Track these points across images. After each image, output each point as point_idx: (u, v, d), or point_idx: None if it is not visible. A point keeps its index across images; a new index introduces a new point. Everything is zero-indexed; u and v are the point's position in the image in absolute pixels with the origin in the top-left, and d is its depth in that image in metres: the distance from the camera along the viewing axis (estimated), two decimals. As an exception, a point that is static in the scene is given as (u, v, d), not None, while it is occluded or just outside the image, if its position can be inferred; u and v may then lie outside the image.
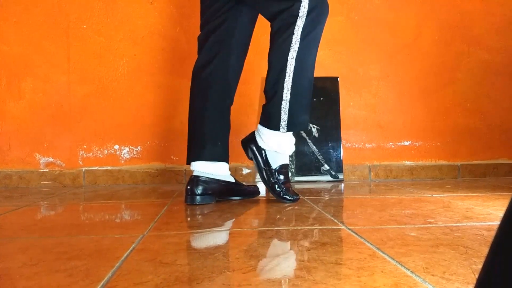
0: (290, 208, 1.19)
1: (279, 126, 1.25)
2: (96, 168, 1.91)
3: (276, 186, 1.30)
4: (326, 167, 1.93)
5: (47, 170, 1.88)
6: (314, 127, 1.95)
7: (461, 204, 1.22)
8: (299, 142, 1.92)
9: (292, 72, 1.22)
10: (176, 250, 0.75)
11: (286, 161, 1.32)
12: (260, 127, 1.30)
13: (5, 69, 1.88)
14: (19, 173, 1.86)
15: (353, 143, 2.02)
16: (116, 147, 1.92)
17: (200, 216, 1.10)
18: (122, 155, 1.92)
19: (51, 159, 1.89)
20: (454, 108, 2.06)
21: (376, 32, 2.04)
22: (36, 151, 1.89)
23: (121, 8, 1.92)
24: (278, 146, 1.28)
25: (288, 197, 1.30)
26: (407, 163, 2.03)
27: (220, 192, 1.33)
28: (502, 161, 2.06)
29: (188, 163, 1.33)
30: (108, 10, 1.92)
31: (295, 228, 0.93)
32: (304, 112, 1.28)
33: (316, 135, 1.94)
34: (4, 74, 1.88)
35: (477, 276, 0.31)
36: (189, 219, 1.07)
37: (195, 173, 1.29)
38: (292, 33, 1.19)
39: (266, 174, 1.30)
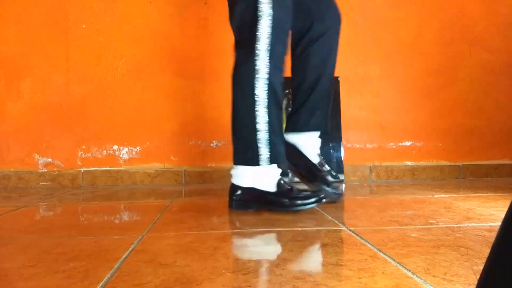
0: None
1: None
2: (95, 168, 1.90)
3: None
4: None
5: (46, 170, 1.88)
6: (314, 127, 1.94)
7: (463, 204, 1.22)
8: (299, 142, 1.91)
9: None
10: (175, 251, 0.74)
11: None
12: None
13: (4, 69, 1.87)
14: (18, 173, 1.86)
15: (354, 143, 2.02)
16: (115, 147, 1.92)
17: (199, 217, 1.09)
18: (121, 156, 1.92)
19: (50, 160, 1.89)
20: (455, 108, 2.05)
21: (377, 32, 2.03)
22: (35, 152, 1.88)
23: (121, 7, 1.92)
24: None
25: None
26: (408, 163, 2.03)
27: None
28: (504, 161, 2.05)
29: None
30: (108, 9, 1.91)
31: (296, 229, 0.92)
32: None
33: (316, 135, 1.94)
34: (3, 74, 1.87)
35: (478, 277, 0.31)
36: (188, 220, 1.07)
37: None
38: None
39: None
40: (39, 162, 1.88)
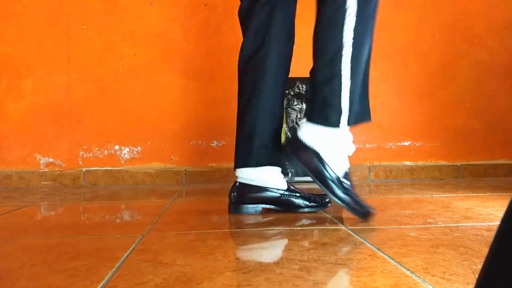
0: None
1: (339, 121, 1.03)
2: (96, 168, 1.91)
3: (351, 196, 1.01)
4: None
5: (47, 170, 1.88)
6: (314, 128, 1.94)
7: (461, 204, 1.22)
8: (299, 142, 1.92)
9: (351, 48, 1.03)
10: (176, 250, 0.75)
11: (348, 163, 1.08)
12: (311, 125, 1.04)
13: (5, 69, 1.88)
14: (19, 173, 1.86)
15: (353, 143, 2.02)
16: (116, 147, 1.92)
17: (200, 217, 1.10)
18: (122, 155, 1.92)
19: (51, 160, 1.89)
20: (454, 108, 2.06)
21: (376, 32, 2.03)
22: (36, 152, 1.89)
23: (122, 8, 1.92)
24: (338, 146, 1.06)
25: (366, 206, 1.01)
26: (407, 163, 2.03)
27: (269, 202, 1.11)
28: (502, 161, 2.06)
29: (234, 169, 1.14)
30: (109, 10, 1.92)
31: (295, 228, 0.93)
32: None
33: (316, 135, 1.94)
34: (4, 74, 1.88)
35: (477, 276, 0.31)
36: (189, 219, 1.07)
37: (239, 180, 1.12)
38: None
39: (334, 185, 1.01)
40: (41, 162, 1.89)
